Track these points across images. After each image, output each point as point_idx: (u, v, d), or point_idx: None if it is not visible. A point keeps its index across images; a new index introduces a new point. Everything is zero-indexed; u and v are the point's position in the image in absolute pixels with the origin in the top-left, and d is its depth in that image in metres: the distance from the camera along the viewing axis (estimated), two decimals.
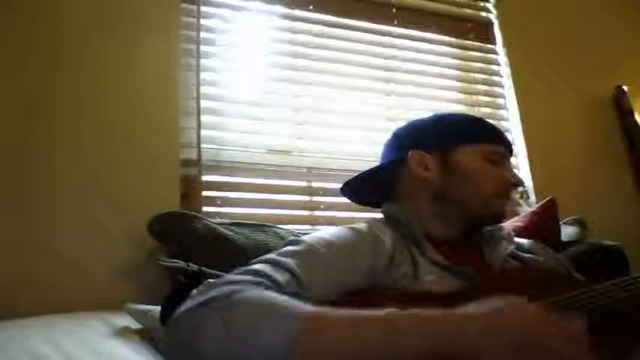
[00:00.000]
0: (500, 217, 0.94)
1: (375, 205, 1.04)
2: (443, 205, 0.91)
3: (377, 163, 1.02)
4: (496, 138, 0.95)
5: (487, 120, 1.01)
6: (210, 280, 0.67)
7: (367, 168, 1.01)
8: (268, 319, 0.56)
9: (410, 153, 0.93)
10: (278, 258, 0.72)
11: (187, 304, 0.61)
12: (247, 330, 0.55)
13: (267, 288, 0.64)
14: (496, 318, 0.54)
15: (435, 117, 1.02)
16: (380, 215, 0.98)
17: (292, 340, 0.53)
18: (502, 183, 0.91)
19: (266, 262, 0.71)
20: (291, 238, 0.83)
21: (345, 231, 0.84)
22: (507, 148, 0.97)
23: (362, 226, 0.87)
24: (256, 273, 0.67)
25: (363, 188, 1.03)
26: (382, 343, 0.54)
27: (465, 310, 0.56)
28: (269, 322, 0.56)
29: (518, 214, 1.66)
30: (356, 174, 1.02)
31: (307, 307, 0.58)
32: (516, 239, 0.96)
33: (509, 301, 0.56)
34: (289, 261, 0.71)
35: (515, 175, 0.94)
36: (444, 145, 0.93)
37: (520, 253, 0.91)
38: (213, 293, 0.60)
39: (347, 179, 1.04)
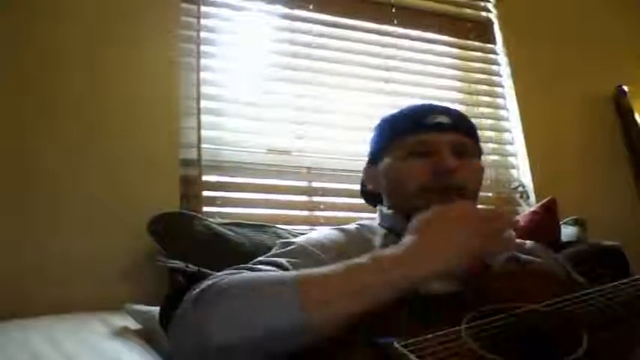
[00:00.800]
0: None
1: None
2: (399, 211, 0.91)
3: None
4: (419, 127, 0.88)
5: (423, 105, 0.94)
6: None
7: None
8: (268, 288, 0.58)
9: (363, 168, 1.01)
10: (268, 258, 0.74)
11: (183, 303, 0.61)
12: (251, 304, 0.56)
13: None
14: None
15: (377, 124, 1.02)
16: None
17: (299, 298, 0.55)
18: (430, 174, 0.84)
19: (258, 262, 0.73)
20: (281, 240, 0.84)
21: (334, 232, 0.85)
22: (443, 131, 0.87)
23: (351, 227, 0.88)
24: (246, 269, 0.68)
25: (369, 194, 1.05)
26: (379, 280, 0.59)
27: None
28: (270, 291, 0.58)
29: (518, 214, 1.66)
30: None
31: (292, 272, 0.63)
32: (518, 240, 0.95)
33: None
34: (280, 259, 0.72)
35: (446, 160, 0.84)
36: (373, 155, 0.98)
37: (520, 254, 0.91)
38: (204, 285, 0.61)
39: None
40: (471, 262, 0.64)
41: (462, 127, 0.91)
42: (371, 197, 1.03)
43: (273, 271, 0.69)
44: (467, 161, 0.88)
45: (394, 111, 0.98)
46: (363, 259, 0.62)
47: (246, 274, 0.63)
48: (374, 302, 0.58)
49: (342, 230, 0.85)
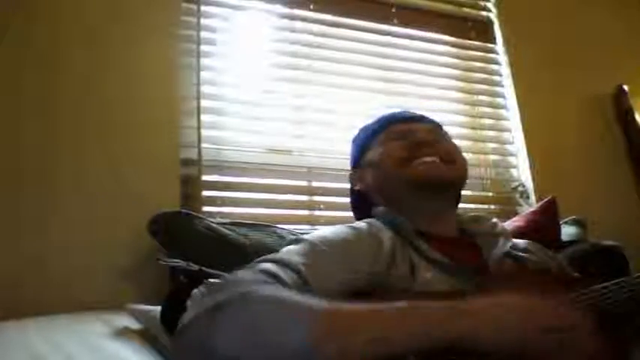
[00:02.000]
0: (430, 175, 0.89)
1: None
2: (390, 198, 0.94)
3: None
4: (392, 121, 0.98)
5: (394, 111, 1.05)
6: (212, 280, 0.67)
7: None
8: (288, 315, 0.55)
9: (348, 175, 1.05)
10: (283, 257, 0.72)
11: (195, 310, 0.59)
12: (268, 330, 0.54)
13: (276, 287, 0.64)
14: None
15: (354, 137, 1.08)
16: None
17: (317, 332, 0.52)
18: (407, 149, 0.91)
19: (272, 261, 0.71)
20: (293, 237, 0.83)
21: (345, 229, 0.84)
22: (413, 122, 0.98)
23: (362, 224, 0.87)
24: (264, 272, 0.67)
25: (360, 205, 1.05)
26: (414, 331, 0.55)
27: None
28: (290, 320, 0.55)
29: (518, 214, 1.66)
30: None
31: (322, 301, 0.57)
32: (514, 240, 0.95)
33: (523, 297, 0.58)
34: (294, 260, 0.71)
35: (419, 133, 0.93)
36: (356, 159, 1.04)
37: (516, 252, 0.91)
38: (224, 296, 0.59)
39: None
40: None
41: (430, 120, 1.01)
42: (362, 205, 1.02)
43: (291, 279, 0.67)
44: (442, 140, 0.96)
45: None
46: (401, 303, 0.57)
47: (266, 293, 0.60)
48: (402, 350, 0.54)
49: (353, 228, 0.85)
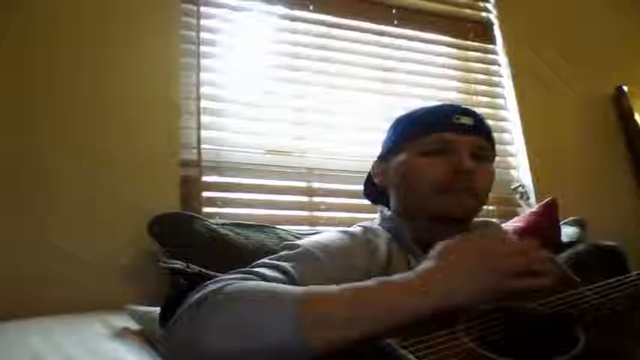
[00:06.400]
0: (458, 214, 0.85)
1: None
2: (405, 211, 0.91)
3: None
4: (439, 126, 0.87)
5: (446, 105, 0.94)
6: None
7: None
8: (267, 302, 0.56)
9: (373, 162, 0.98)
10: (272, 262, 0.72)
11: (181, 308, 0.60)
12: (248, 317, 0.55)
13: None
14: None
15: (393, 121, 0.98)
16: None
17: (297, 316, 0.53)
18: (446, 174, 0.83)
19: (261, 265, 0.71)
20: (286, 242, 0.83)
21: (339, 235, 0.84)
22: (463, 133, 0.87)
23: (357, 230, 0.87)
24: (250, 273, 0.67)
25: (369, 192, 1.05)
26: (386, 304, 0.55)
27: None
28: (269, 305, 0.55)
29: (518, 215, 1.66)
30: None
31: (299, 287, 0.58)
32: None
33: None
34: (284, 264, 0.71)
35: (464, 160, 0.83)
36: (386, 151, 0.95)
37: None
38: (203, 292, 0.60)
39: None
40: (493, 301, 0.60)
41: (482, 130, 0.91)
42: (373, 194, 1.02)
43: (278, 279, 0.67)
44: (482, 165, 0.89)
45: (413, 109, 0.96)
46: (372, 282, 0.58)
47: (248, 285, 0.61)
48: (377, 331, 0.54)
49: (348, 233, 0.85)
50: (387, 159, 0.95)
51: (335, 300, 0.56)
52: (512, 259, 0.59)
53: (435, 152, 0.86)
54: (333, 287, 0.58)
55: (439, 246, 0.62)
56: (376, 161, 0.98)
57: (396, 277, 0.59)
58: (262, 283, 0.62)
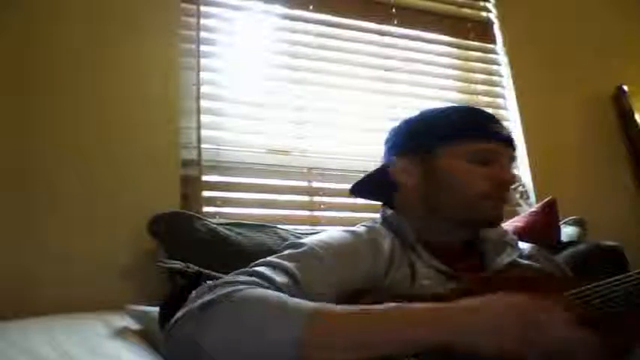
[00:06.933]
0: (494, 220, 0.89)
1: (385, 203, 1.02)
2: (430, 212, 0.89)
3: (377, 163, 1.02)
4: (484, 134, 0.88)
5: (483, 111, 0.95)
6: (208, 282, 0.67)
7: (367, 168, 1.02)
8: (273, 316, 0.57)
9: (394, 158, 0.93)
10: (277, 260, 0.72)
11: (185, 308, 0.60)
12: (253, 329, 0.55)
13: (266, 289, 0.64)
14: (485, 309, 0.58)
15: (421, 116, 0.96)
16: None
17: (300, 336, 0.54)
18: (491, 184, 0.85)
19: (265, 264, 0.71)
20: (291, 241, 0.83)
21: (344, 234, 0.84)
22: (502, 143, 0.89)
23: (361, 229, 0.87)
24: (255, 274, 0.67)
25: (369, 189, 1.03)
26: (393, 333, 0.57)
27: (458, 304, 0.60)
28: (274, 320, 0.56)
29: (518, 214, 1.66)
30: (356, 174, 1.02)
31: (310, 304, 0.59)
32: (519, 244, 0.95)
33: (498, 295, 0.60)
34: (288, 264, 0.71)
35: (508, 172, 0.88)
36: (425, 148, 0.90)
37: (520, 260, 0.90)
38: (212, 295, 0.60)
39: (346, 179, 1.04)
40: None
41: (514, 143, 0.94)
42: (378, 189, 0.99)
43: (282, 283, 0.67)
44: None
45: (441, 107, 0.97)
46: (387, 306, 0.59)
47: (256, 295, 0.61)
48: (385, 355, 0.55)
49: (352, 232, 0.85)
50: (425, 156, 0.90)
51: (342, 325, 0.58)
52: (550, 335, 0.57)
53: (479, 161, 0.87)
54: (345, 309, 0.59)
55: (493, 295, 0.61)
56: (403, 157, 0.92)
57: (417, 305, 0.60)
58: (270, 294, 0.62)
